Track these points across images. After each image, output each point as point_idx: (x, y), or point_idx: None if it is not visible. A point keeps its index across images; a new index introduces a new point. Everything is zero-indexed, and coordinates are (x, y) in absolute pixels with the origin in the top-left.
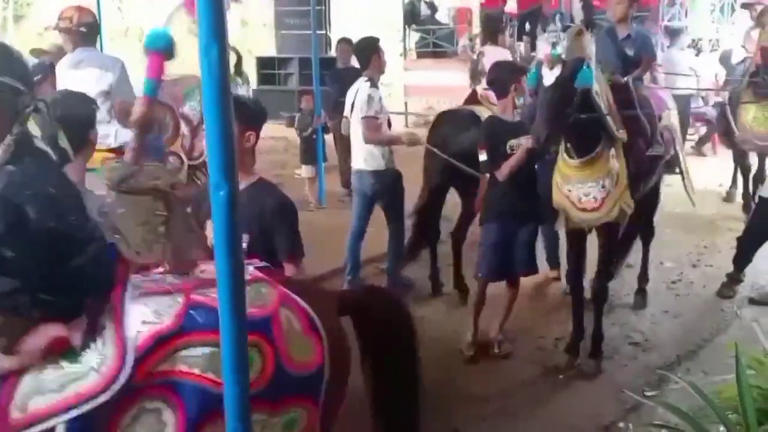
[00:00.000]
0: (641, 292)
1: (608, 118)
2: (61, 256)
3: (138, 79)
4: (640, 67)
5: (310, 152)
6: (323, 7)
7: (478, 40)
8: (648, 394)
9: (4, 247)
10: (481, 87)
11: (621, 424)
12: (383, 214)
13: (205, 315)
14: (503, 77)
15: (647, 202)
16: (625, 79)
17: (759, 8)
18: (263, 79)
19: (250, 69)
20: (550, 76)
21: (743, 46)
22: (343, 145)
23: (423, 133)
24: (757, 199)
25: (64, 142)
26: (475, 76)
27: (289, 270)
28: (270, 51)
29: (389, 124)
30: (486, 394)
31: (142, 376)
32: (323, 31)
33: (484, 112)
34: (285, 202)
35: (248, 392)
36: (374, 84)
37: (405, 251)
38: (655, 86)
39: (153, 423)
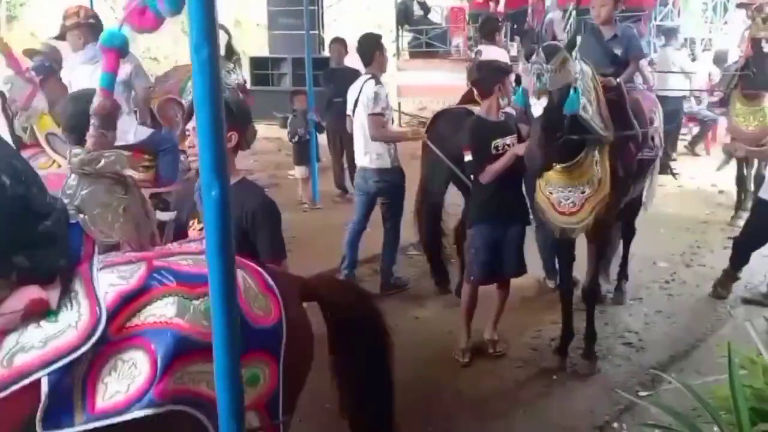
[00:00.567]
0: (619, 289)
1: (596, 126)
2: (32, 221)
3: None
4: (631, 68)
5: (303, 153)
6: (316, 7)
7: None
8: (642, 394)
9: None
10: None
11: (615, 425)
12: (380, 214)
13: (167, 275)
14: (487, 77)
15: (631, 203)
16: (617, 81)
17: (755, 4)
18: (256, 79)
19: (244, 70)
20: (537, 106)
21: (739, 47)
22: (337, 145)
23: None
24: (750, 200)
25: (19, 130)
26: (472, 74)
27: None
28: (263, 51)
29: (392, 121)
30: (480, 395)
31: (115, 331)
32: (316, 31)
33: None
34: (267, 202)
35: (242, 401)
36: (378, 81)
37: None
38: (644, 89)
39: (129, 371)
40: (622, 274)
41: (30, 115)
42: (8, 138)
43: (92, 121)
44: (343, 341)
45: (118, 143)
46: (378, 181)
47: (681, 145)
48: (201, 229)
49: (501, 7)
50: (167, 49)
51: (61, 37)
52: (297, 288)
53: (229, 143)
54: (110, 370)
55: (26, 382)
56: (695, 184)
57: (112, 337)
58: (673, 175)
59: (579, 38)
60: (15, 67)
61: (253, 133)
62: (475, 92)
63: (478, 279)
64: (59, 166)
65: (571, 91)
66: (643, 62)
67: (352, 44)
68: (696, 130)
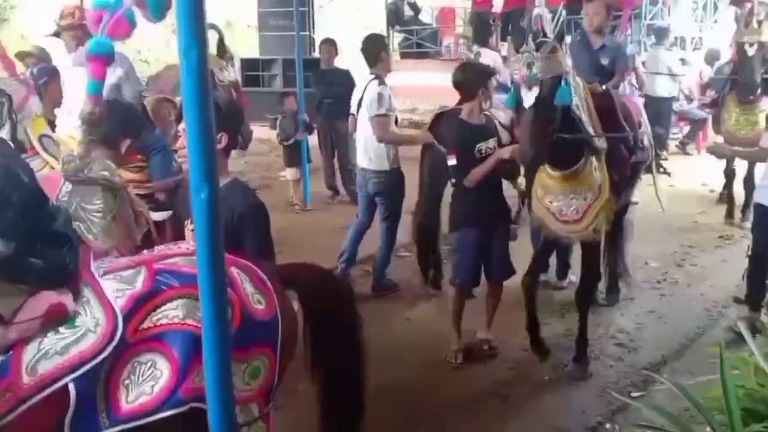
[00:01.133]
0: (614, 291)
1: (589, 128)
2: (46, 219)
3: None
4: (617, 78)
5: (293, 155)
6: (307, 9)
7: (463, 40)
8: (634, 394)
9: (7, 207)
10: None
11: (607, 425)
12: (356, 217)
13: (171, 277)
14: (472, 79)
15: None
16: (604, 87)
17: (748, 5)
18: (247, 80)
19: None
20: (529, 97)
21: (730, 46)
22: (328, 146)
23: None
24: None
25: (22, 135)
26: (455, 76)
27: None
28: (254, 52)
29: (396, 122)
30: (472, 396)
31: (131, 334)
32: (307, 33)
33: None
34: (256, 203)
35: (233, 407)
36: (382, 81)
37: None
38: (629, 93)
39: (149, 372)
40: (613, 276)
41: (23, 117)
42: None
43: (82, 127)
44: (316, 327)
45: None
46: (376, 182)
47: (672, 145)
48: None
49: (499, 7)
50: (158, 51)
51: (56, 35)
52: (277, 276)
53: (219, 144)
54: (129, 373)
55: (54, 388)
56: (686, 183)
57: (129, 339)
58: (662, 172)
59: (569, 38)
60: (9, 68)
61: (249, 133)
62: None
63: (464, 281)
64: (52, 168)
65: (562, 82)
66: (639, 65)
67: (342, 45)
68: (687, 129)
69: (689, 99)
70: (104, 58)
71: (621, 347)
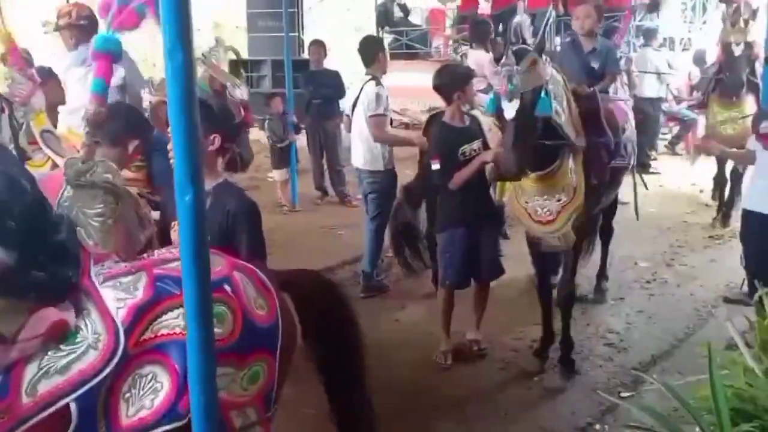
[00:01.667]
0: (600, 289)
1: (569, 132)
2: (48, 231)
3: None
4: (606, 81)
5: (282, 156)
6: (296, 10)
7: (451, 42)
8: (624, 395)
9: (9, 218)
10: None
11: (597, 426)
12: (366, 215)
13: (172, 283)
14: (446, 84)
15: (608, 206)
16: (591, 89)
17: (734, 5)
18: None
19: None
20: (510, 109)
21: (718, 46)
22: (317, 147)
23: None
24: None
25: (23, 143)
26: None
27: None
28: (243, 53)
29: (391, 123)
30: (461, 397)
31: (132, 346)
32: (296, 33)
33: (474, 112)
34: (248, 203)
35: (217, 406)
36: (379, 82)
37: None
38: (616, 97)
39: (150, 385)
40: (602, 274)
41: (27, 111)
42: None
43: (85, 129)
44: (314, 333)
45: None
46: (370, 181)
47: (661, 145)
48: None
49: (488, 9)
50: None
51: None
52: (277, 281)
53: (212, 146)
54: (130, 386)
55: (53, 409)
56: (676, 183)
57: (130, 352)
58: (651, 172)
59: (558, 43)
60: (17, 62)
61: (251, 154)
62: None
63: (453, 283)
64: (55, 165)
65: (543, 93)
66: (641, 64)
67: (332, 46)
68: (676, 129)
69: (679, 100)
70: (111, 55)
71: (610, 347)
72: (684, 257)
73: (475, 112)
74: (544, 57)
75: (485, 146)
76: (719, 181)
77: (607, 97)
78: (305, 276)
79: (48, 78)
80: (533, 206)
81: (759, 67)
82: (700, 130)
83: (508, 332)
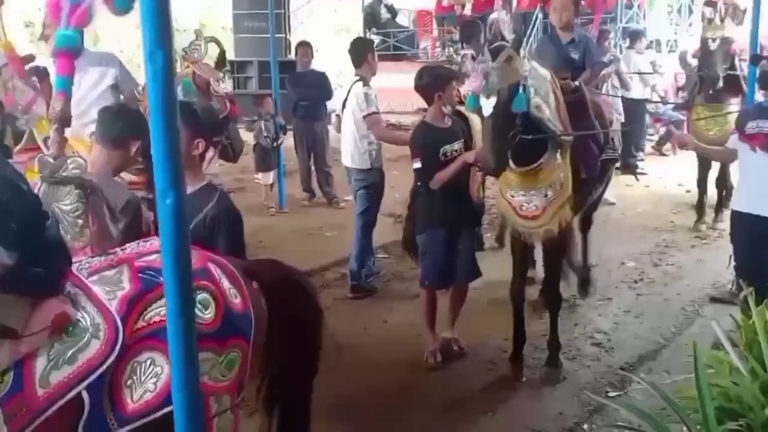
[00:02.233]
0: (585, 284)
1: (553, 125)
2: (41, 227)
3: None
4: (588, 72)
5: (268, 159)
6: (282, 11)
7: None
8: (611, 394)
9: (10, 219)
10: (462, 88)
11: (585, 426)
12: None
13: (156, 273)
14: (425, 85)
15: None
16: (576, 82)
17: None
18: None
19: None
20: (488, 105)
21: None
22: (304, 148)
23: None
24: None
25: (8, 140)
26: (458, 78)
27: None
28: (229, 54)
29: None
30: (450, 398)
31: (128, 335)
32: (282, 35)
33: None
34: (230, 207)
35: (202, 410)
36: (367, 83)
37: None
38: (602, 93)
39: (150, 370)
40: (585, 269)
41: (30, 119)
42: None
43: (54, 126)
44: (276, 321)
45: None
46: (358, 179)
47: (648, 146)
48: None
49: (468, 11)
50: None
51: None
52: (243, 271)
53: (197, 150)
54: (130, 374)
55: (67, 398)
56: (662, 184)
57: (126, 341)
58: (636, 176)
59: (534, 40)
60: (18, 70)
61: (241, 144)
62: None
63: (433, 283)
64: None
65: (519, 89)
66: (623, 67)
67: (319, 48)
68: (663, 130)
69: (665, 101)
70: (70, 51)
71: (598, 347)
72: (671, 257)
73: (468, 113)
74: (522, 53)
75: (467, 147)
76: (702, 186)
77: (593, 91)
78: (268, 265)
79: (42, 78)
80: (519, 201)
81: (738, 63)
82: (686, 131)
83: (496, 333)
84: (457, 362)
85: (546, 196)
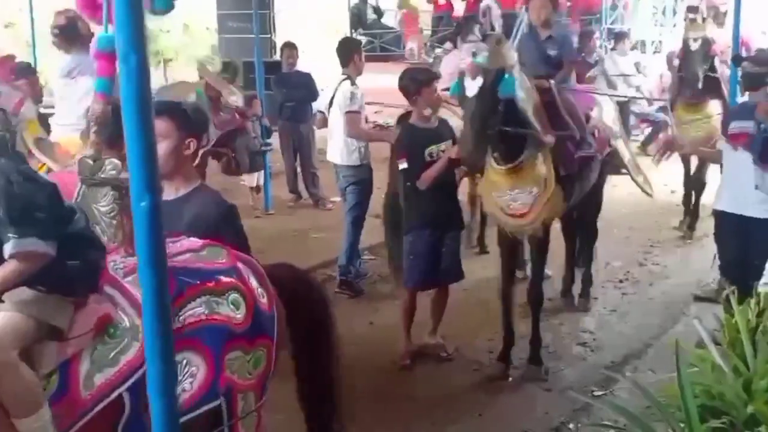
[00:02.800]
0: (585, 295)
1: (534, 123)
2: (69, 219)
3: None
4: (563, 68)
5: (255, 161)
6: (267, 11)
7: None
8: (597, 394)
9: (36, 210)
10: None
11: (570, 425)
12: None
13: (188, 275)
14: (405, 86)
15: (588, 204)
16: (550, 82)
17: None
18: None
19: (194, 74)
20: (473, 87)
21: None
22: (290, 149)
23: None
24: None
25: (20, 146)
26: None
27: None
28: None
29: (366, 120)
30: (435, 399)
31: None
32: (268, 35)
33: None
34: (227, 205)
35: (177, 413)
36: (353, 82)
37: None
38: (581, 87)
39: (186, 370)
40: (587, 282)
41: (18, 121)
42: None
43: (92, 128)
44: (295, 328)
45: None
46: (346, 176)
47: (633, 147)
48: None
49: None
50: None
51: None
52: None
53: (188, 150)
54: None
55: (109, 400)
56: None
57: None
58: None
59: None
60: (5, 75)
61: (245, 160)
62: (445, 95)
63: (416, 285)
64: (49, 170)
65: (506, 74)
66: (610, 67)
67: (304, 48)
68: (648, 131)
69: (649, 102)
70: (114, 54)
71: (584, 346)
72: (656, 257)
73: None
74: (509, 43)
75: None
76: (688, 187)
77: (568, 88)
78: (285, 268)
79: (27, 75)
80: (506, 200)
81: (718, 65)
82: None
83: (482, 334)
84: (443, 363)
85: (531, 193)
